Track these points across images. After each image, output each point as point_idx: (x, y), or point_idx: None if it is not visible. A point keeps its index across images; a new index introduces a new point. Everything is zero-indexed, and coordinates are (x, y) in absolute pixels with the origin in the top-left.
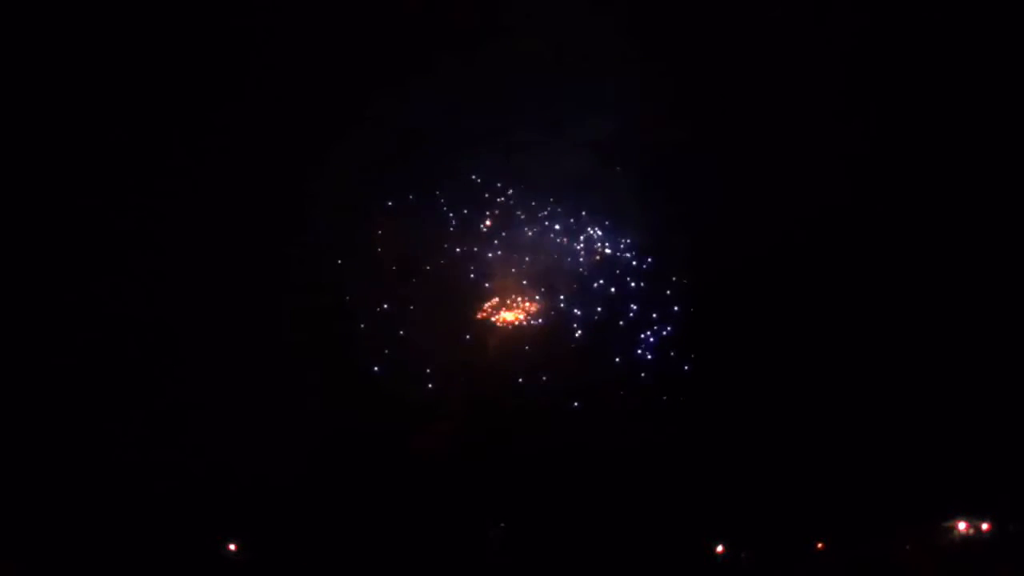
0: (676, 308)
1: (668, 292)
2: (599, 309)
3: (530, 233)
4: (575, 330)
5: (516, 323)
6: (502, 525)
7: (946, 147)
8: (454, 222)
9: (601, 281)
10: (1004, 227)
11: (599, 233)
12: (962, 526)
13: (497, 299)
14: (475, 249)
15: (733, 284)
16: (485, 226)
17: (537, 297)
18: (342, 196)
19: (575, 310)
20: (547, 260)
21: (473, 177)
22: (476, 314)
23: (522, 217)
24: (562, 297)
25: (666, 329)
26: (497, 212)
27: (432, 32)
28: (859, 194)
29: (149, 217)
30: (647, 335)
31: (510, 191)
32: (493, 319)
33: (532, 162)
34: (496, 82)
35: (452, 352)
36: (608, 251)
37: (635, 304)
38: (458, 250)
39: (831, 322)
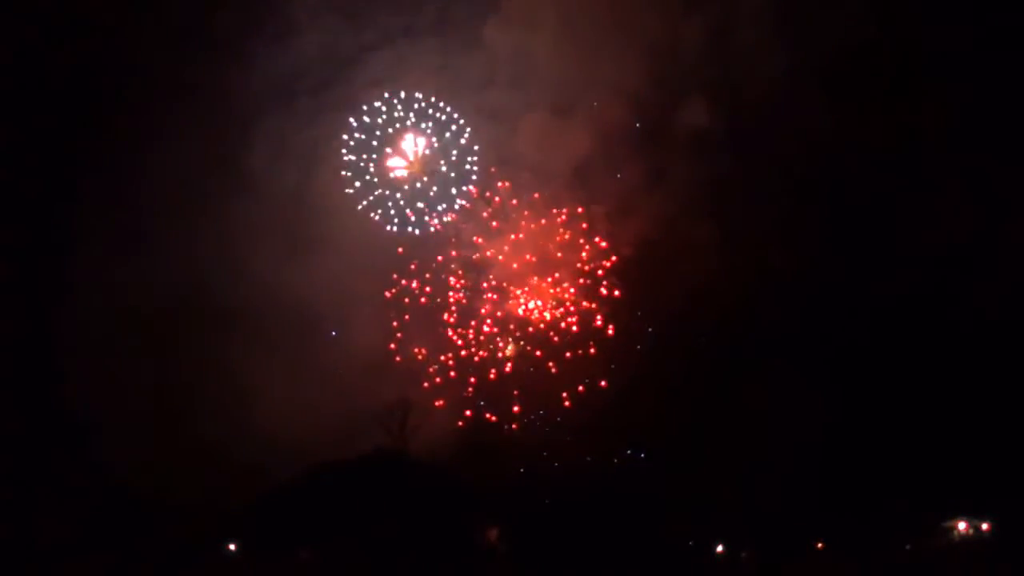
0: (679, 306)
1: (672, 288)
2: (601, 305)
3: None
4: (575, 327)
5: (516, 317)
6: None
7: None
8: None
9: (604, 275)
10: (1003, 227)
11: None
12: (962, 526)
13: (497, 292)
14: (478, 240)
15: (736, 281)
16: (487, 214)
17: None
18: (338, 186)
19: (576, 305)
20: (551, 252)
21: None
22: (475, 308)
23: (525, 210)
24: (562, 291)
25: (668, 328)
26: (499, 199)
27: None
28: (862, 191)
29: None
30: (648, 334)
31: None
32: (493, 311)
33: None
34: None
35: (452, 347)
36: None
37: (636, 300)
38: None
39: (832, 324)
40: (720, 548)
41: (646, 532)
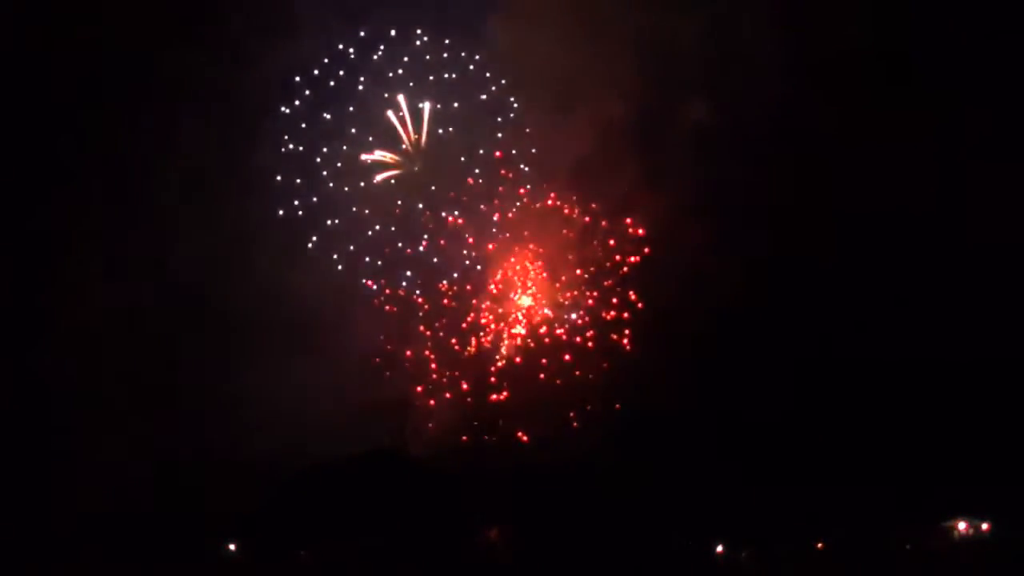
0: (681, 303)
1: (673, 285)
2: (600, 303)
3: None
4: (575, 325)
5: (515, 315)
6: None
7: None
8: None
9: (605, 272)
10: (1003, 227)
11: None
12: (962, 526)
13: (497, 289)
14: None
15: (738, 278)
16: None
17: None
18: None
19: (577, 303)
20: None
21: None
22: (475, 305)
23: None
24: (563, 288)
25: (671, 326)
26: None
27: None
28: (866, 190)
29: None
30: (649, 332)
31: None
32: (492, 310)
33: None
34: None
35: (451, 346)
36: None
37: (638, 298)
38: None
39: (832, 323)
40: (720, 548)
41: (646, 532)
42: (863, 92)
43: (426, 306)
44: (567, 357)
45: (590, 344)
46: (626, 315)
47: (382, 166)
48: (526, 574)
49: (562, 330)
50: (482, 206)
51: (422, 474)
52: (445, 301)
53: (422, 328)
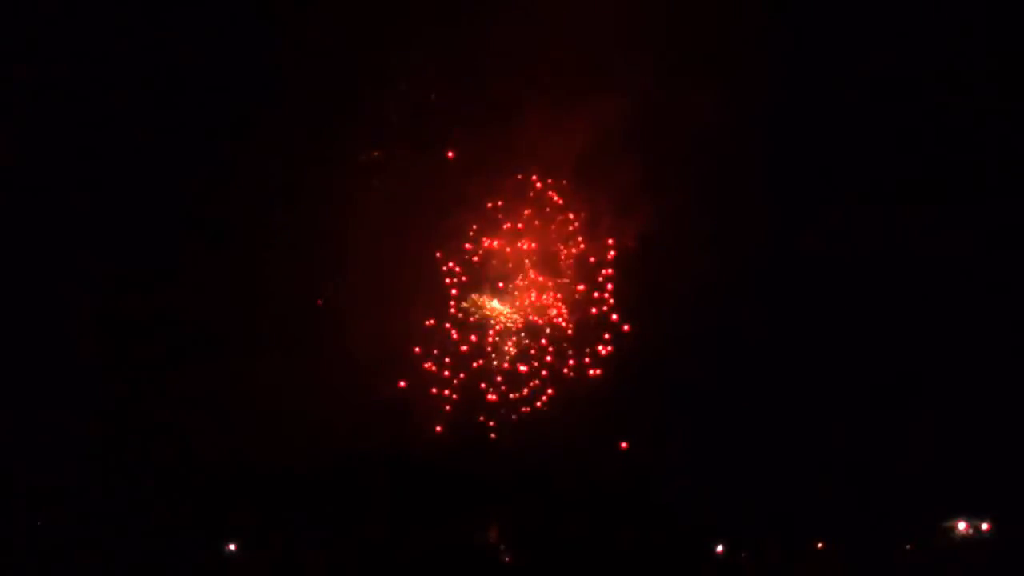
0: (681, 301)
1: (673, 284)
2: (600, 302)
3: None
4: (574, 325)
5: (512, 315)
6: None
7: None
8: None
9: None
10: (1003, 226)
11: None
12: (962, 526)
13: (494, 288)
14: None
15: (738, 277)
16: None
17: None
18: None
19: (575, 303)
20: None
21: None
22: (473, 303)
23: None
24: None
25: (669, 324)
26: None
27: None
28: (870, 190)
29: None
30: (650, 331)
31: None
32: (490, 309)
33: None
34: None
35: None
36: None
37: (638, 298)
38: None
39: (831, 319)
40: (720, 548)
41: (646, 532)
42: (871, 92)
43: (426, 307)
44: (568, 357)
45: (591, 341)
46: (628, 317)
47: (379, 163)
48: (526, 574)
49: (563, 332)
50: (486, 203)
51: (422, 474)
52: (446, 301)
53: (422, 328)
